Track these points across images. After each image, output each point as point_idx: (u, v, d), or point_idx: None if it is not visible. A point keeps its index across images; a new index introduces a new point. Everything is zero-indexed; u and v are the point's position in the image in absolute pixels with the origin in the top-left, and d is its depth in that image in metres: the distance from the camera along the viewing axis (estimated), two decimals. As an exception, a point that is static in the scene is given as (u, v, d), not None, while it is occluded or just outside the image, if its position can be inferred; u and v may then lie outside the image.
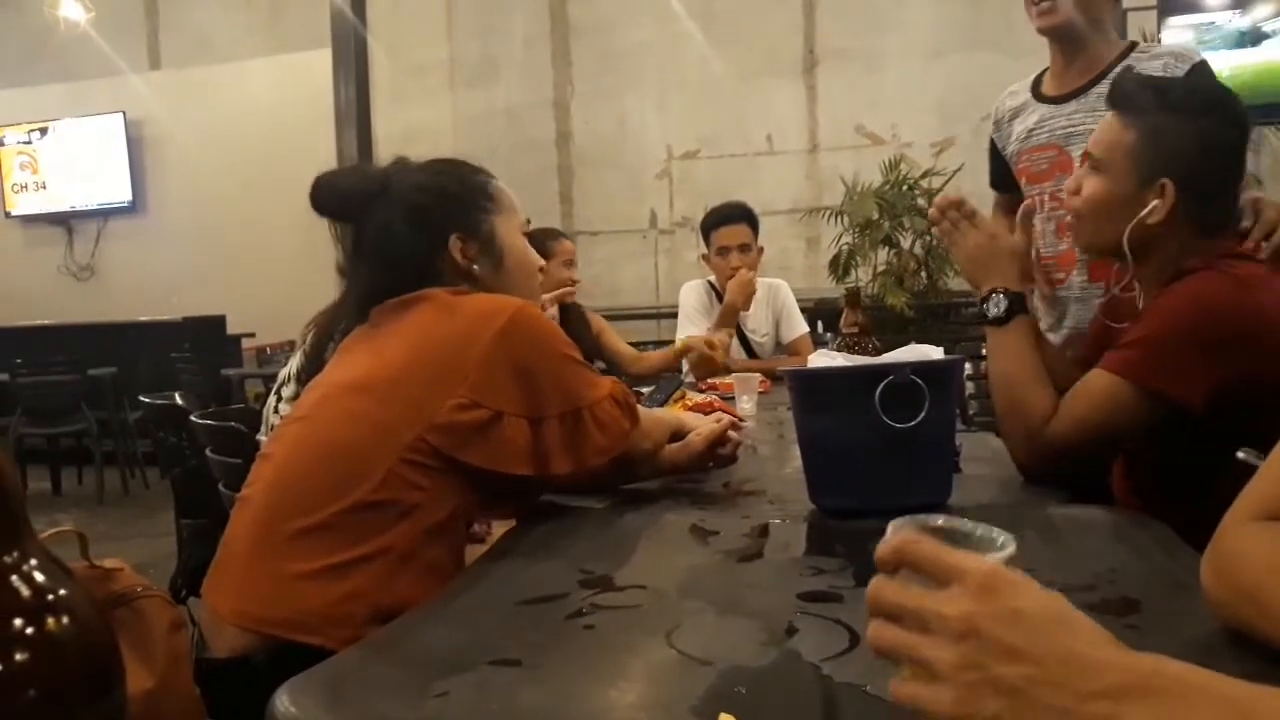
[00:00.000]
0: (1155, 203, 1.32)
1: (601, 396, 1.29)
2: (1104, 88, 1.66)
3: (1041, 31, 1.85)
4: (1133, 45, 1.87)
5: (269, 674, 0.89)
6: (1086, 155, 1.41)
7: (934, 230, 1.64)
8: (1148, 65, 1.77)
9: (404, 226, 1.36)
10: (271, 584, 1.13)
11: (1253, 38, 4.64)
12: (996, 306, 1.43)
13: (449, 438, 1.19)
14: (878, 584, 0.54)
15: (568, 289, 2.78)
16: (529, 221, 1.47)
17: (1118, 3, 1.95)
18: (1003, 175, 2.07)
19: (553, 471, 1.25)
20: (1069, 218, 1.47)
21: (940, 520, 0.59)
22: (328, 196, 1.41)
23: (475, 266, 1.37)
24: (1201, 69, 1.77)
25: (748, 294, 3.04)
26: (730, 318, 3.05)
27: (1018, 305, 1.43)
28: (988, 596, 0.50)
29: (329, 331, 1.46)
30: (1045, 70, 1.98)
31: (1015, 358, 1.41)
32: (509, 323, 1.23)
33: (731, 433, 1.51)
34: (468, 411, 1.19)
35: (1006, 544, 0.58)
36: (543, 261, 1.49)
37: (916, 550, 0.53)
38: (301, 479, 1.19)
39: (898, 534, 0.55)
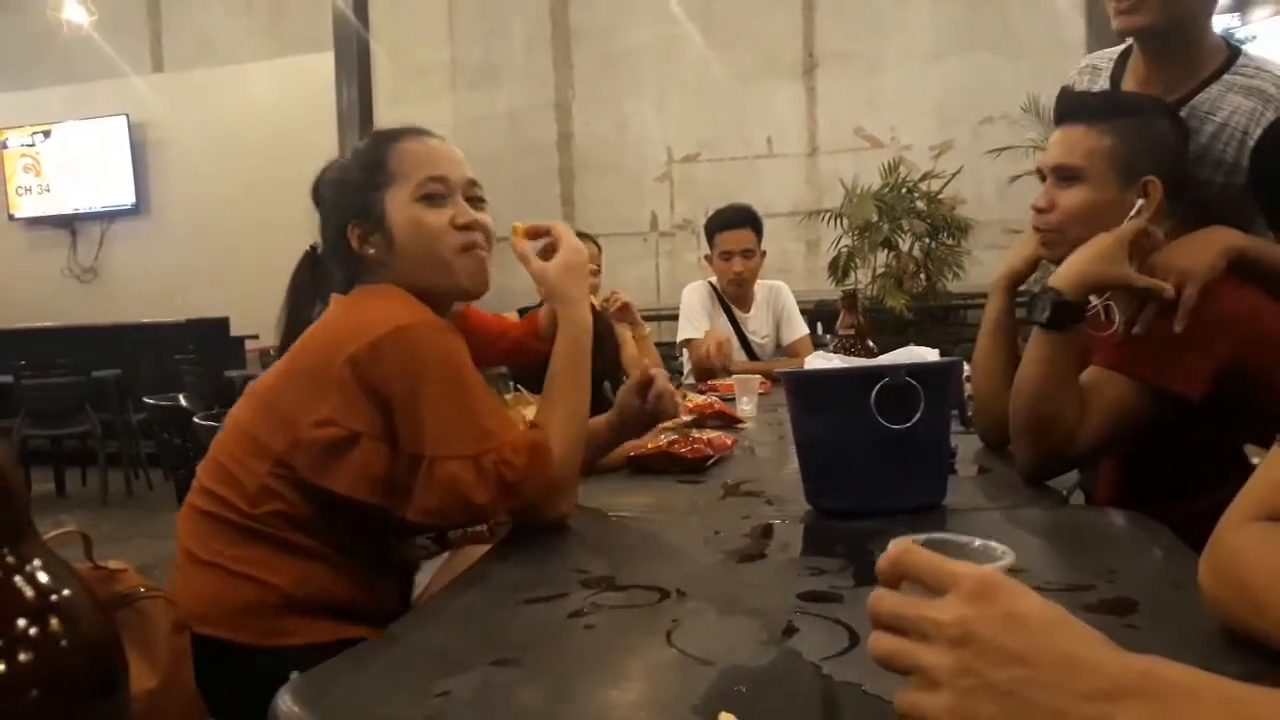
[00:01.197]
0: (1141, 201, 1.33)
1: (456, 455, 1.12)
2: (1200, 104, 1.49)
3: (1123, 34, 1.60)
4: (1234, 56, 1.52)
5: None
6: (1054, 169, 1.38)
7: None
8: (1254, 84, 1.47)
9: (325, 225, 1.35)
10: (186, 581, 1.19)
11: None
12: (1043, 310, 1.30)
13: (308, 458, 1.15)
14: (877, 594, 0.54)
15: None
16: (443, 178, 1.26)
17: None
18: None
19: (395, 510, 1.14)
20: (1041, 235, 1.41)
21: (940, 535, 0.61)
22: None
23: (372, 251, 1.27)
24: None
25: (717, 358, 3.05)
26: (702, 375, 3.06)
27: (1070, 315, 1.28)
28: (982, 601, 0.51)
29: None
30: (1129, 53, 1.66)
31: (1058, 370, 1.29)
32: (380, 340, 1.14)
33: (658, 381, 1.41)
34: (324, 428, 1.14)
35: (1005, 555, 0.59)
36: (445, 220, 1.25)
37: (913, 560, 0.54)
38: (207, 477, 1.24)
39: (896, 546, 0.56)
